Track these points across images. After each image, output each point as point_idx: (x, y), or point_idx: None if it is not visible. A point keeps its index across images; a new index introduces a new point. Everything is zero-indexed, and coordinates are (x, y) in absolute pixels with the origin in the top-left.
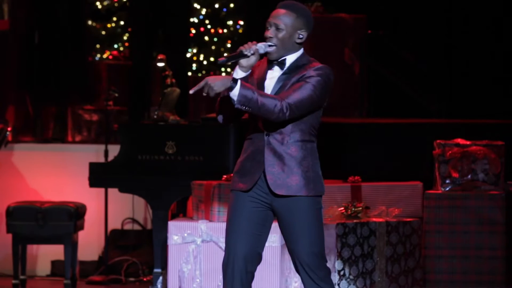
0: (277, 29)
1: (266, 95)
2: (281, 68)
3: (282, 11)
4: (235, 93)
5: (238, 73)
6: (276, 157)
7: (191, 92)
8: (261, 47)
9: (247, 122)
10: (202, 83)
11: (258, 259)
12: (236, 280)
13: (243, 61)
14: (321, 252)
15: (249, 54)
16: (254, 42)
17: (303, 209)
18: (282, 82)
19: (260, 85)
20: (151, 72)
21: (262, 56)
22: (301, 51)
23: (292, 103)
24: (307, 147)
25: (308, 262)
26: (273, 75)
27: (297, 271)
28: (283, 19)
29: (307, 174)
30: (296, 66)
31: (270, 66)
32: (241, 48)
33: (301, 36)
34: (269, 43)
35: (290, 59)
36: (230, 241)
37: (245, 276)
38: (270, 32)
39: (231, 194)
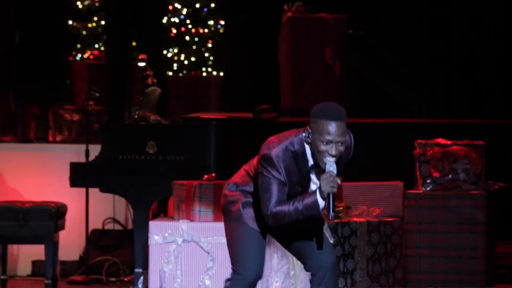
0: (341, 144)
1: None
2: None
3: (343, 125)
4: None
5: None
6: None
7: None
8: (334, 172)
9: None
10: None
11: None
12: None
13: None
14: None
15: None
16: (332, 174)
17: None
18: None
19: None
20: (131, 72)
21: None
22: None
23: None
24: None
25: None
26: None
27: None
28: (344, 134)
29: None
30: None
31: (309, 170)
32: (329, 190)
33: None
34: (334, 160)
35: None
36: (247, 267)
37: None
38: (334, 150)
39: (237, 223)
